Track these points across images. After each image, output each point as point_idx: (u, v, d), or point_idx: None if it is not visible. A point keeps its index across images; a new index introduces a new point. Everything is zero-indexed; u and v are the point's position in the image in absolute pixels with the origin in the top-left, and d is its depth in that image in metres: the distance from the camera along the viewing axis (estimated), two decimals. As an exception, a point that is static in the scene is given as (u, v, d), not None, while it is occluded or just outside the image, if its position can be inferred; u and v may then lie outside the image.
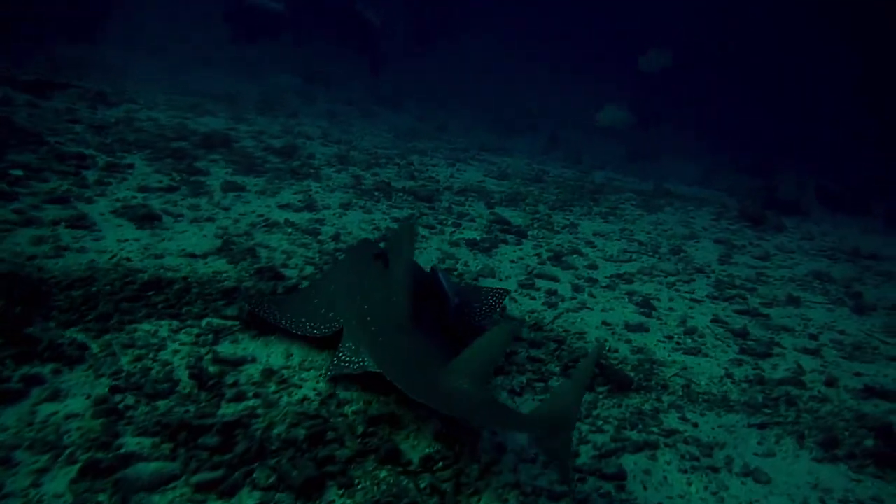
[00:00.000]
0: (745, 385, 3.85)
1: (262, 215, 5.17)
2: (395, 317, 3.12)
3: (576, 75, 23.54)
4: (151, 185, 5.34)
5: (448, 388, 2.59)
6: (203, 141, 7.07)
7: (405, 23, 18.91)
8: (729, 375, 3.94)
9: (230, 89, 13.19)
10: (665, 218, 7.92)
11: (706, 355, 4.16)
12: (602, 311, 4.52)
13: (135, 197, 4.95)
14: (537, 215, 6.81)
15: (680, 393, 3.63)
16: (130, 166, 5.70)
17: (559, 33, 24.92)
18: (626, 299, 4.80)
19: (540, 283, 4.80)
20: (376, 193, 6.47)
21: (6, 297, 3.09)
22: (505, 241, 5.69)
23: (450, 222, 5.96)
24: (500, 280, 4.75)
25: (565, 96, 22.03)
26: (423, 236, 5.40)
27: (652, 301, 4.80)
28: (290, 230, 4.94)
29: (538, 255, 5.44)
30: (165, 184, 5.44)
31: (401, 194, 6.62)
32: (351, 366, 3.01)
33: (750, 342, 4.45)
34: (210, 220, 4.84)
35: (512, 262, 5.20)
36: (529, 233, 6.08)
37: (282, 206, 5.50)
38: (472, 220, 6.22)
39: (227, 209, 5.15)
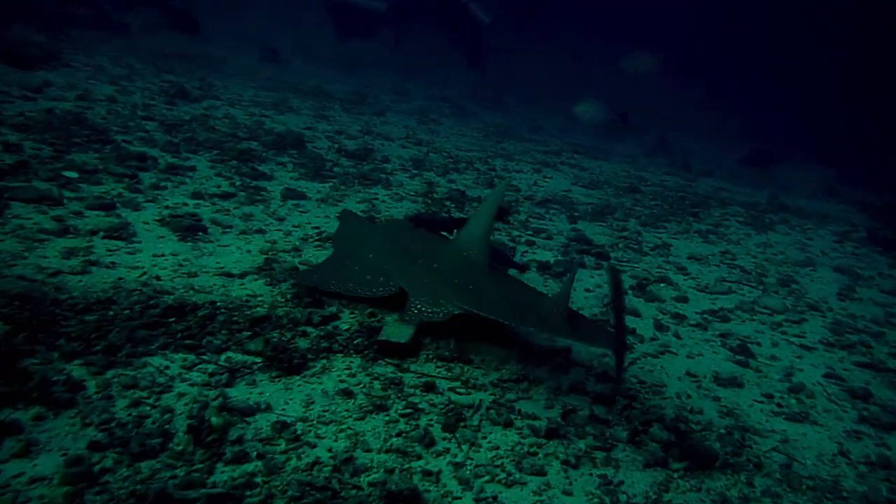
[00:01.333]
0: (863, 468, 3.14)
1: (317, 227, 4.86)
2: (480, 268, 3.74)
3: (687, 75, 22.12)
4: (208, 190, 5.16)
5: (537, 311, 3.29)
6: (275, 141, 6.90)
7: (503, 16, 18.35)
8: (843, 453, 3.24)
9: (323, 84, 13.16)
10: (777, 239, 7.01)
11: (815, 423, 3.47)
12: (688, 356, 3.88)
13: (185, 204, 4.76)
14: (625, 233, 6.16)
15: (778, 475, 2.98)
16: (192, 169, 5.55)
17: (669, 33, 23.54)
18: (719, 342, 4.12)
19: (618, 319, 4.21)
20: (447, 204, 6.04)
21: (13, 322, 2.90)
22: (582, 265, 5.10)
23: (523, 240, 5.44)
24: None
25: (676, 96, 20.74)
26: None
27: (750, 346, 4.10)
28: (342, 246, 4.59)
29: (620, 284, 4.83)
30: (223, 189, 5.24)
31: (475, 205, 6.16)
32: (436, 314, 3.51)
33: (873, 407, 3.69)
34: (260, 231, 4.57)
35: (587, 290, 4.62)
36: (613, 254, 5.45)
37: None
38: (550, 237, 5.66)
39: (281, 220, 4.88)
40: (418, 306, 3.60)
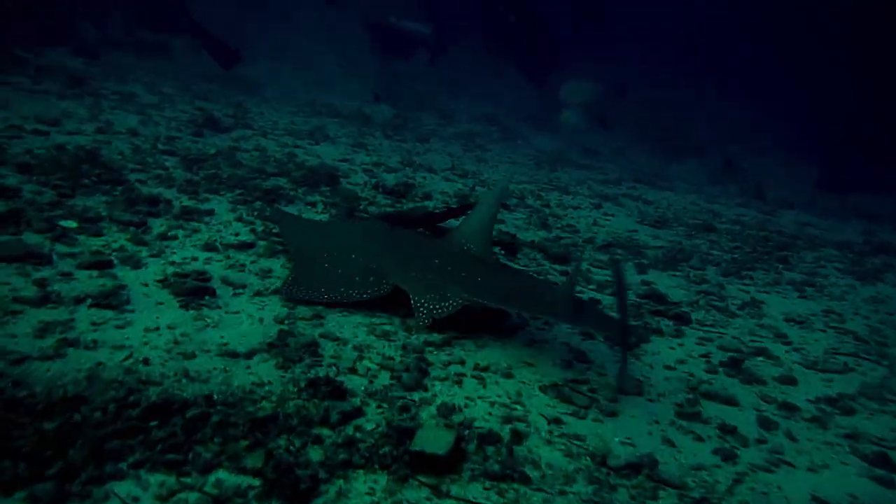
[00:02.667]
0: None
1: (344, 284, 4.23)
2: (486, 261, 4.01)
3: (745, 90, 20.99)
4: (224, 239, 4.60)
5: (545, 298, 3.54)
6: (306, 177, 6.35)
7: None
8: None
9: (364, 106, 12.73)
10: (888, 292, 6.06)
11: None
12: (810, 469, 3.07)
13: (195, 259, 4.20)
14: (705, 286, 5.36)
15: None
16: (209, 213, 5.02)
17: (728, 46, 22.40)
18: (847, 447, 3.30)
19: (710, 409, 3.43)
20: (497, 251, 5.35)
21: (-52, 436, 2.32)
22: (658, 331, 4.33)
23: (586, 298, 4.70)
24: (651, 401, 3.44)
25: (732, 112, 19.65)
26: (546, 322, 4.19)
27: (891, 454, 3.26)
28: (373, 312, 3.95)
29: (707, 358, 4.04)
30: (241, 238, 4.68)
31: (528, 251, 5.46)
32: (446, 309, 3.68)
33: None
34: (278, 292, 3.96)
35: (668, 368, 3.85)
36: (694, 315, 4.66)
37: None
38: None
39: (303, 276, 4.26)
40: (425, 304, 3.75)
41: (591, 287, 4.97)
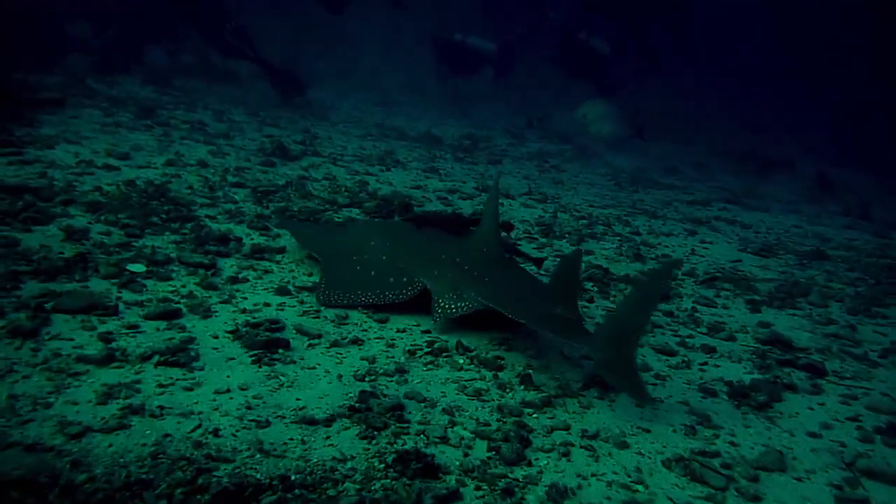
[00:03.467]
0: None
1: (426, 331, 3.88)
2: (498, 264, 4.04)
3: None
4: (297, 280, 4.32)
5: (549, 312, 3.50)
6: (379, 207, 6.07)
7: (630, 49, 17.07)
8: None
9: (433, 128, 12.49)
10: None
11: None
12: None
13: (267, 304, 3.92)
14: (832, 327, 4.75)
15: None
16: (281, 251, 4.76)
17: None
18: None
19: (876, 491, 2.87)
20: (590, 287, 4.90)
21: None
22: (791, 387, 3.78)
23: (698, 344, 4.18)
24: (798, 479, 2.92)
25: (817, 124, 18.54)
26: (658, 375, 3.71)
27: None
28: (463, 361, 3.56)
29: (856, 421, 3.48)
30: (314, 278, 4.39)
31: (622, 286, 4.98)
32: (460, 309, 3.77)
33: None
34: (356, 342, 3.63)
35: (812, 435, 3.31)
36: (829, 365, 4.08)
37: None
38: (731, 336, 4.38)
39: (382, 322, 3.93)
40: (443, 303, 3.86)
41: (700, 330, 4.45)
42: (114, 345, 3.21)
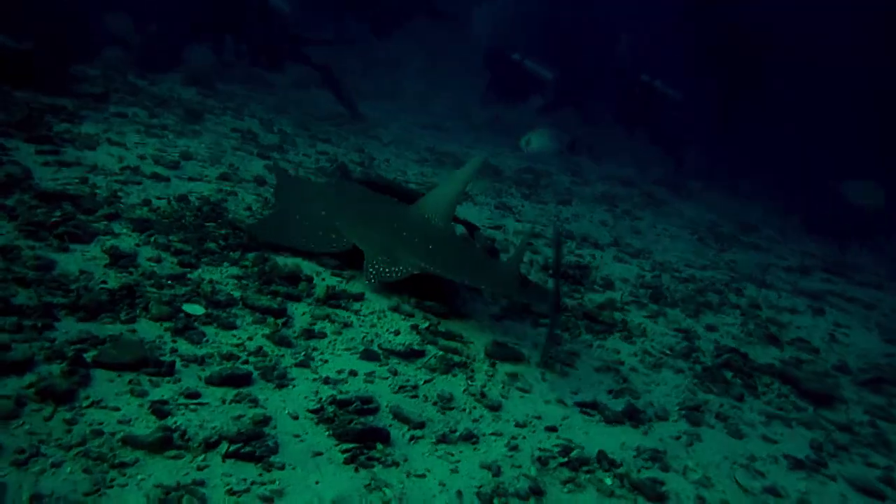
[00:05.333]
0: None
1: (552, 428, 3.15)
2: (442, 231, 4.24)
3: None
4: (384, 340, 3.63)
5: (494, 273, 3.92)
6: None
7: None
8: None
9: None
10: None
11: None
12: None
13: (353, 373, 3.22)
14: None
15: None
16: (359, 297, 4.07)
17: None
18: None
19: None
20: (734, 381, 4.14)
21: None
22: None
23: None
24: None
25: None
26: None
27: None
28: (611, 482, 2.83)
29: None
30: (403, 338, 3.70)
31: (767, 379, 4.23)
32: (393, 274, 4.00)
33: None
34: (468, 439, 2.92)
35: None
36: None
37: (584, 406, 3.43)
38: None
39: (495, 409, 3.22)
40: (375, 265, 4.05)
41: None
42: (170, 421, 2.53)
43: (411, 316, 4.02)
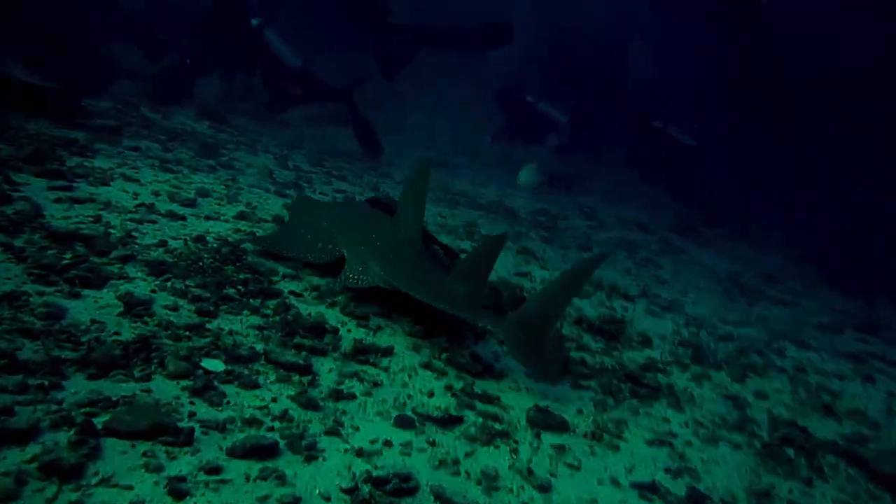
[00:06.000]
0: None
1: (608, 510, 2.85)
2: (410, 245, 4.33)
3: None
4: (417, 402, 3.35)
5: (450, 292, 3.91)
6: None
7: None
8: None
9: (503, 198, 11.75)
10: None
11: None
12: None
13: (388, 442, 2.93)
14: None
15: None
16: (388, 352, 3.80)
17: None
18: None
19: None
20: (797, 461, 3.83)
21: None
22: None
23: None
24: None
25: None
26: None
27: None
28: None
29: None
30: (438, 400, 3.44)
31: (831, 458, 3.92)
32: (360, 282, 4.19)
33: None
34: (518, 525, 2.61)
35: None
36: None
37: (642, 489, 3.12)
38: None
39: (545, 489, 2.92)
40: (350, 273, 4.27)
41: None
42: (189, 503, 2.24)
43: (444, 374, 3.75)
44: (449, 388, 3.59)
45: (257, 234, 4.73)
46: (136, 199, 5.04)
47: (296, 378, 3.24)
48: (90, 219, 4.31)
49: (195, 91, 12.51)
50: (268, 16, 12.16)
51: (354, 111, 12.49)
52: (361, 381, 3.42)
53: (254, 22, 11.86)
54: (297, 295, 4.25)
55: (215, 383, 2.99)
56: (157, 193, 5.32)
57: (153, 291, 3.65)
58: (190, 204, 5.31)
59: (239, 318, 3.71)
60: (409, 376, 3.63)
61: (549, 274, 6.70)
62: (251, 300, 3.95)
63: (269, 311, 3.87)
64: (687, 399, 4.26)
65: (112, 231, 4.22)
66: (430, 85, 21.70)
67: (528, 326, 3.66)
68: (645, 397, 4.09)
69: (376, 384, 3.43)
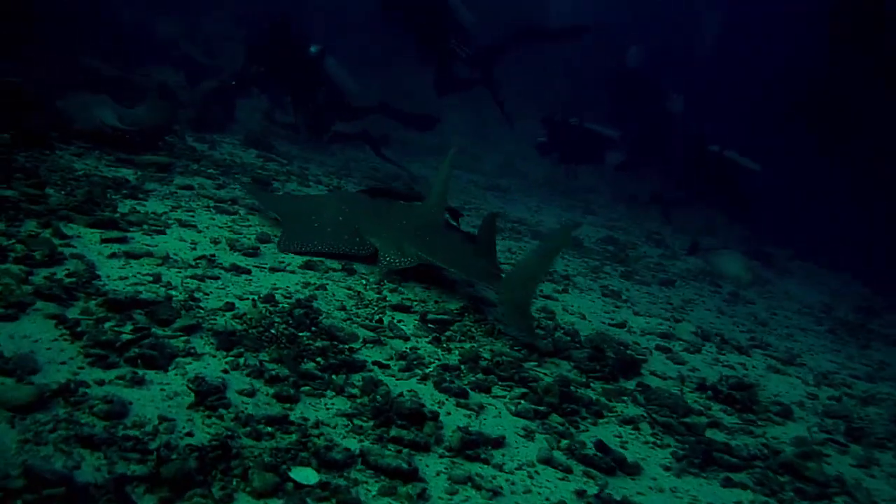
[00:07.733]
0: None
1: None
2: (437, 226, 5.18)
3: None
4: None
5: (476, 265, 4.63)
6: (594, 359, 4.52)
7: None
8: None
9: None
10: None
11: None
12: None
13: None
14: None
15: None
16: (499, 443, 3.28)
17: None
18: None
19: None
20: None
21: None
22: None
23: None
24: None
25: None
26: None
27: None
28: None
29: None
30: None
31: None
32: (402, 262, 4.89)
33: None
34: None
35: None
36: None
37: None
38: None
39: None
40: (388, 257, 4.97)
41: None
42: None
43: (569, 472, 3.19)
44: (581, 494, 3.02)
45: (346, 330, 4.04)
46: (194, 248, 4.61)
47: (402, 489, 2.71)
48: (149, 278, 3.88)
49: (238, 116, 12.33)
50: (327, 43, 11.90)
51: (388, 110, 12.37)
52: (477, 487, 2.87)
53: (312, 50, 11.60)
54: (383, 366, 3.75)
55: (308, 501, 2.48)
56: (216, 241, 4.89)
57: (225, 371, 3.18)
58: (252, 253, 4.86)
59: (323, 401, 3.22)
60: (530, 476, 3.08)
61: (645, 321, 6.10)
62: (334, 376, 3.46)
63: (355, 391, 3.37)
64: (866, 501, 3.59)
65: (173, 293, 3.78)
66: (465, 101, 21.32)
67: (514, 289, 4.30)
68: (815, 497, 3.46)
69: (495, 492, 2.88)
